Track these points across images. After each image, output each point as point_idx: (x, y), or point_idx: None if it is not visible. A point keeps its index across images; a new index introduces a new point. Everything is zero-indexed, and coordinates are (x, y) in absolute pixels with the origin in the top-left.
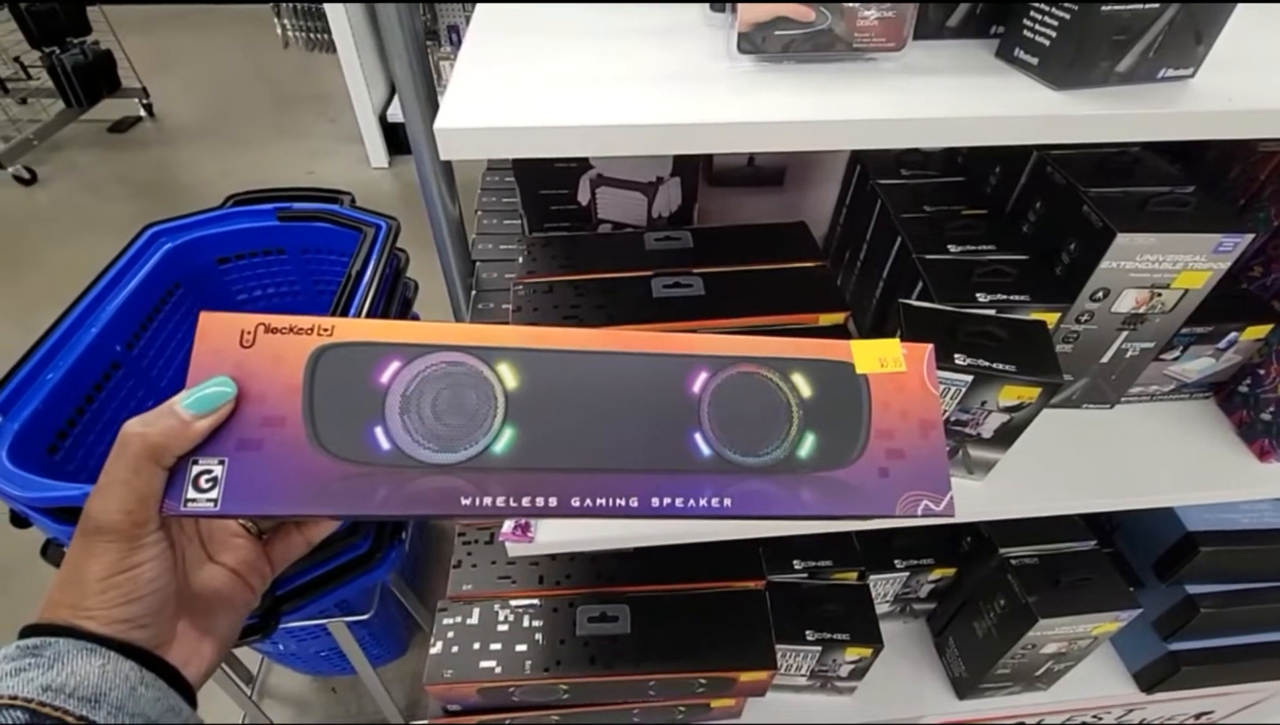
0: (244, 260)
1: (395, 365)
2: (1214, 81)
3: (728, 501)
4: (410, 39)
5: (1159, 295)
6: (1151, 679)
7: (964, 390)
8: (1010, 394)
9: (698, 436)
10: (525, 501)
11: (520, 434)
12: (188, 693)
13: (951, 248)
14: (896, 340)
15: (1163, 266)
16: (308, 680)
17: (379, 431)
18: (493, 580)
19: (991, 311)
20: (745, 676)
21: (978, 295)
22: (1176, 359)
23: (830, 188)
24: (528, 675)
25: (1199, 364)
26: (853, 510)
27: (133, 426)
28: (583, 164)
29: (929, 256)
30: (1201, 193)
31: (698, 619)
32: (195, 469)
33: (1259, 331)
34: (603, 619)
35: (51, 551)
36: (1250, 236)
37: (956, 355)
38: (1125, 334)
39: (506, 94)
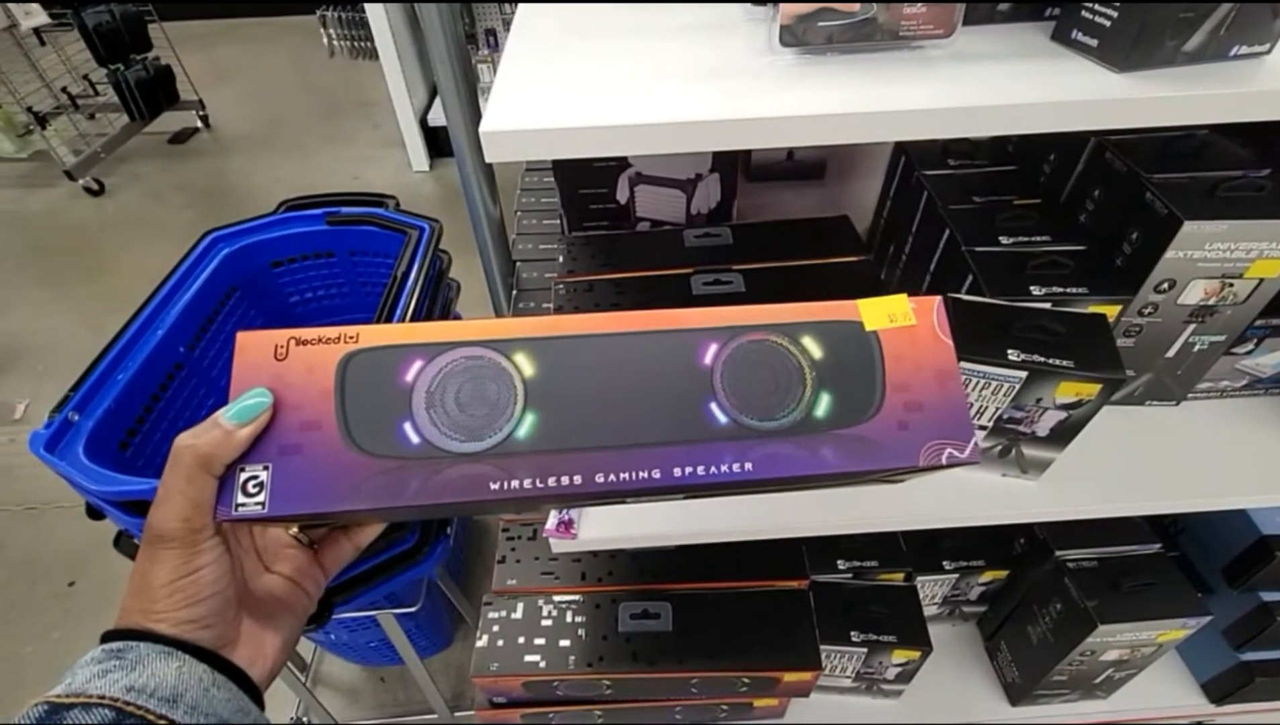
0: (295, 264)
1: (418, 364)
2: None
3: (749, 466)
4: (452, 41)
5: (1230, 286)
6: (1222, 690)
7: (1018, 387)
8: (1068, 391)
9: (713, 406)
10: (551, 482)
11: (541, 419)
12: (255, 694)
13: (1003, 239)
14: (904, 296)
15: (1235, 255)
16: (358, 670)
17: (408, 427)
18: (536, 576)
19: (1047, 305)
20: (789, 677)
21: (1032, 288)
22: (1250, 353)
23: (873, 180)
24: (571, 670)
25: (1274, 358)
26: (876, 465)
27: (183, 440)
28: (622, 162)
29: (979, 249)
30: (1277, 177)
31: (740, 618)
32: (243, 476)
33: None
34: (645, 616)
35: (124, 543)
36: None
37: (1010, 351)
38: (1193, 327)
39: (549, 95)
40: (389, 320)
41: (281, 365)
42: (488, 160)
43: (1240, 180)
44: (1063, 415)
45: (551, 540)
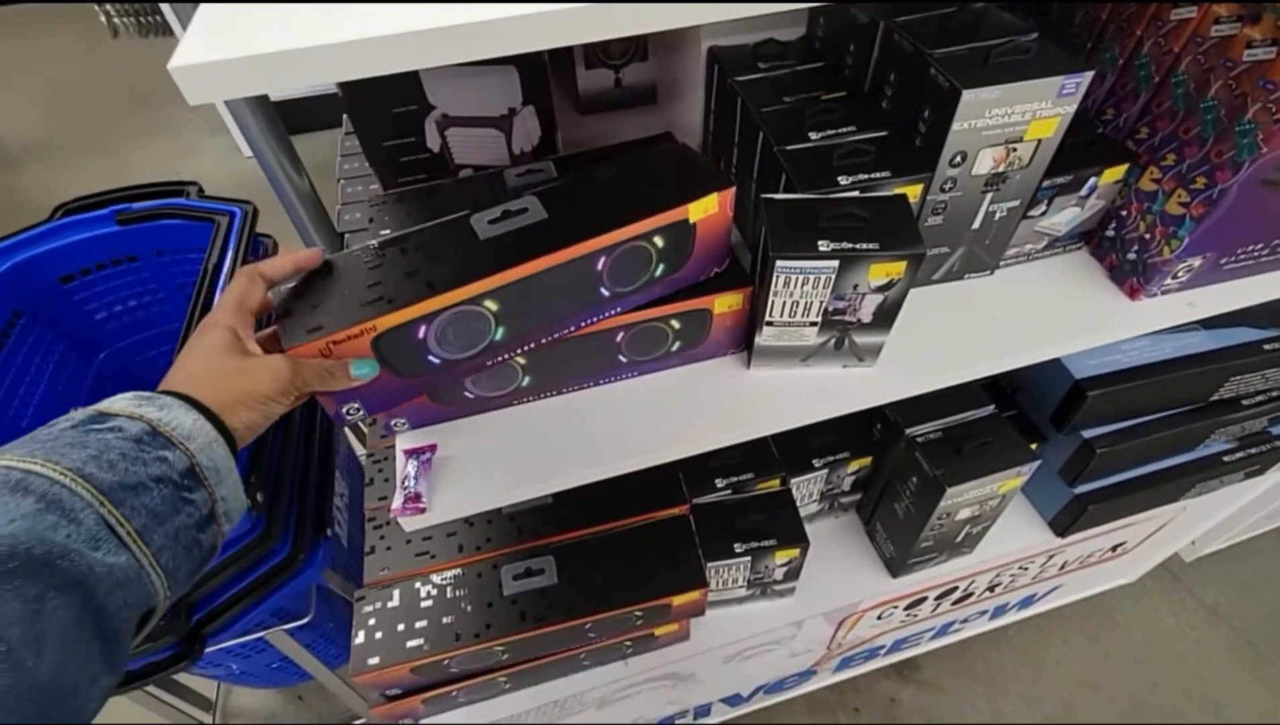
0: (91, 275)
1: (424, 327)
2: None
3: (619, 307)
4: None
5: (1014, 150)
6: (1064, 523)
7: (834, 276)
8: (879, 272)
9: (602, 288)
10: (519, 349)
11: (508, 328)
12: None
13: (812, 135)
14: (714, 194)
15: (1012, 119)
16: (272, 694)
17: (431, 358)
18: (410, 559)
19: (855, 193)
20: (679, 599)
21: (839, 179)
22: (1044, 214)
23: (700, 96)
24: (458, 645)
25: (1066, 216)
26: (686, 282)
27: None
28: (424, 105)
29: (790, 147)
30: (1044, 39)
31: (625, 555)
32: (344, 407)
33: (1115, 173)
34: (528, 574)
35: None
36: (1090, 75)
37: (820, 242)
38: (990, 196)
39: (254, 25)
40: (203, 316)
41: (332, 356)
42: (191, 102)
43: (1009, 45)
44: (880, 298)
45: (401, 520)
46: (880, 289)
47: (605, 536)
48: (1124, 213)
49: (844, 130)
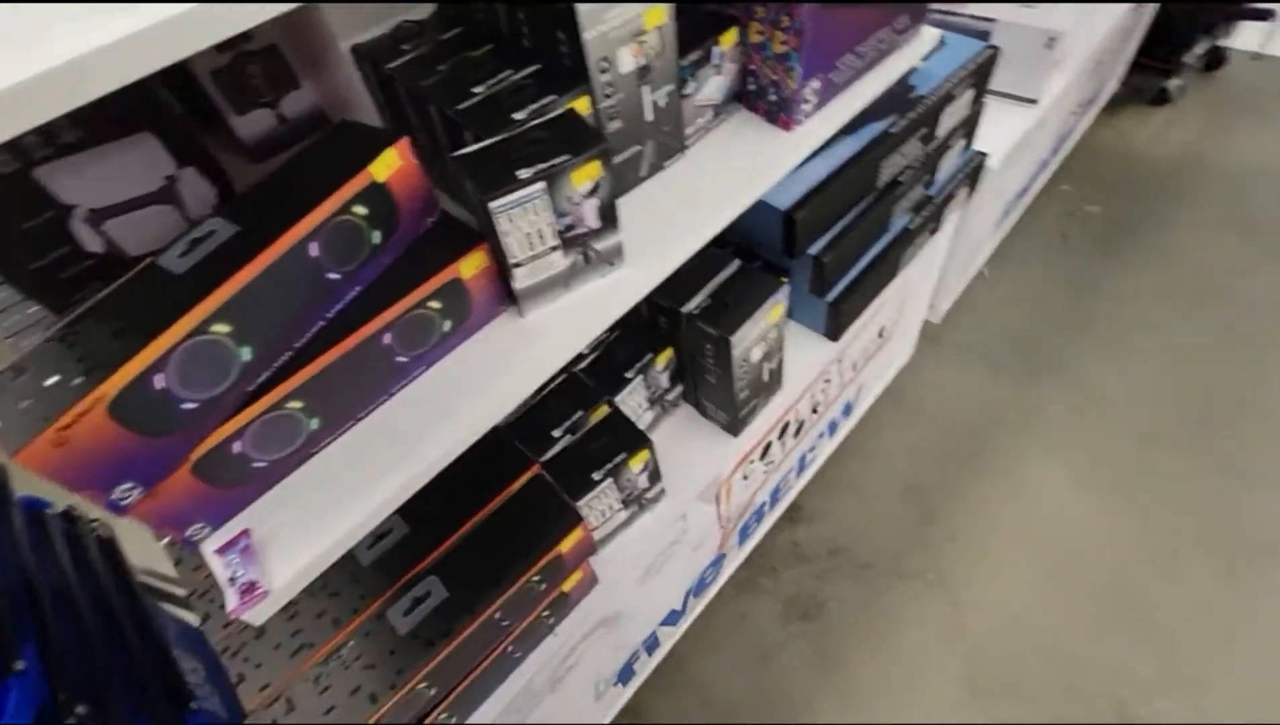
0: None
1: (159, 376)
2: None
3: (357, 286)
4: None
5: (644, 41)
6: (833, 329)
7: (547, 195)
8: (581, 177)
9: (328, 273)
10: (275, 363)
11: (253, 346)
12: None
13: (476, 90)
14: (391, 149)
15: (630, 15)
16: None
17: (184, 405)
18: (287, 662)
19: (534, 122)
20: (565, 545)
21: (514, 116)
22: (698, 89)
23: (367, 99)
24: (379, 705)
25: (714, 85)
26: (410, 237)
27: None
28: (60, 208)
29: (461, 106)
30: None
31: (500, 536)
32: (114, 493)
33: (730, 36)
34: (416, 603)
35: None
36: None
37: (519, 171)
38: (647, 88)
39: None
40: None
41: (70, 443)
42: None
43: None
44: (596, 202)
45: (247, 616)
46: (591, 193)
47: (474, 530)
48: (752, 67)
49: (502, 75)
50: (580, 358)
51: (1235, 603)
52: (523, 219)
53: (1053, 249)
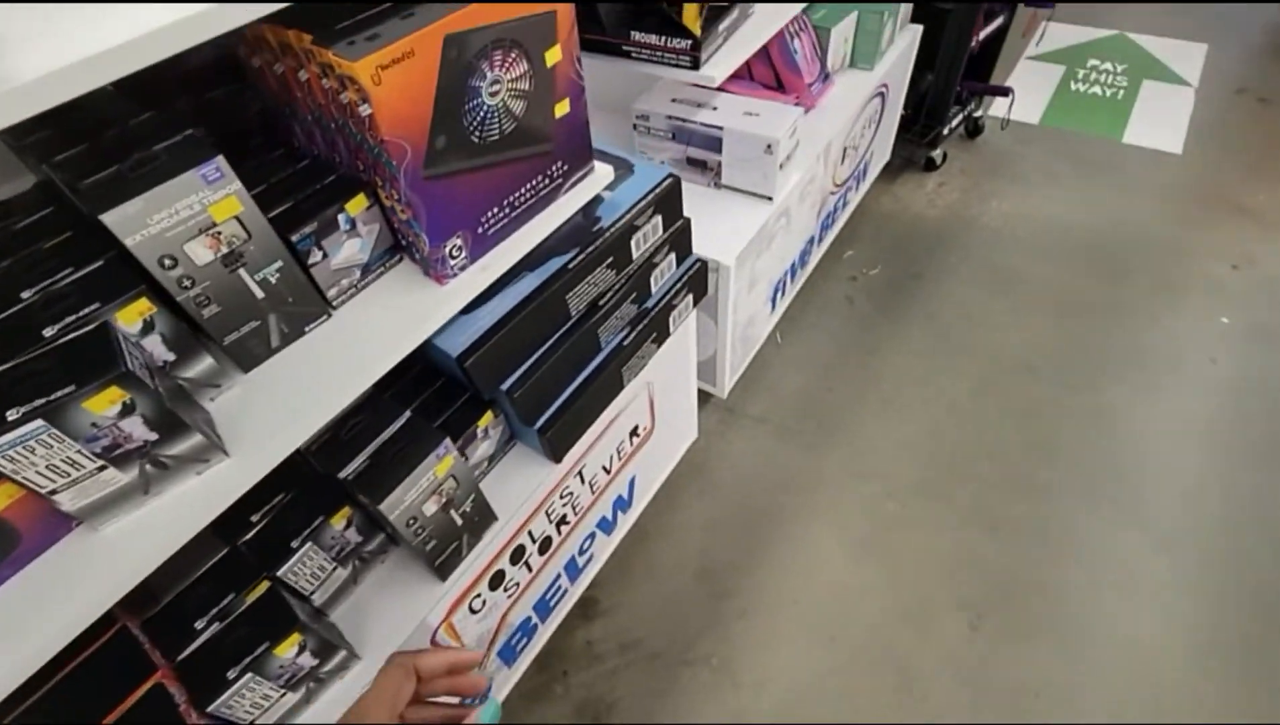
0: None
1: None
2: None
3: None
4: None
5: (219, 234)
6: (551, 452)
7: (54, 431)
8: (101, 404)
9: None
10: None
11: None
12: None
13: (25, 295)
14: None
15: (187, 213)
16: None
17: None
18: None
19: (71, 335)
20: None
21: (44, 332)
22: (326, 257)
23: None
24: None
25: (354, 247)
26: None
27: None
28: None
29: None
30: (172, 149)
31: None
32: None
33: (361, 202)
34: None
35: None
36: (219, 158)
37: (9, 412)
38: (243, 270)
39: None
40: None
41: None
42: None
43: (144, 157)
44: (138, 418)
45: None
46: (125, 413)
47: None
48: (395, 225)
49: (61, 275)
50: (247, 527)
51: (980, 656)
52: (29, 456)
53: (839, 314)
